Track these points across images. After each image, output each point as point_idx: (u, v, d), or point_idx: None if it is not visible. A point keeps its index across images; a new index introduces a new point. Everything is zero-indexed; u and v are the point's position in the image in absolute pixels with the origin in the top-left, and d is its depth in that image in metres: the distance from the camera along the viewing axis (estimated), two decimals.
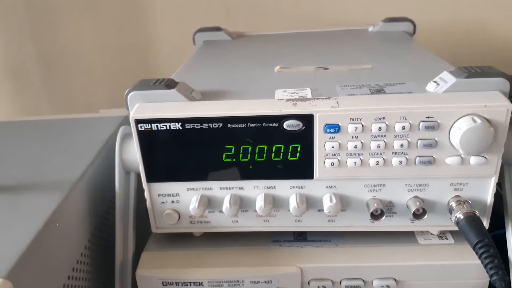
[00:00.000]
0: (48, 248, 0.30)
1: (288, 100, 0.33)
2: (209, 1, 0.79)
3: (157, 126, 0.32)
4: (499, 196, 0.35)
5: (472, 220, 0.31)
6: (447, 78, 0.33)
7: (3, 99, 0.87)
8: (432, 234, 0.37)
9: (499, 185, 0.35)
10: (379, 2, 0.77)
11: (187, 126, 0.32)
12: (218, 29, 0.62)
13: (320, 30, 0.63)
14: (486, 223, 0.34)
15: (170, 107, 0.33)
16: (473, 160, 0.32)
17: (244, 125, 0.32)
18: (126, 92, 0.34)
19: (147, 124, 0.32)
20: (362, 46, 0.52)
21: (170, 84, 0.34)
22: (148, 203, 0.36)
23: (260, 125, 0.32)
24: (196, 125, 0.32)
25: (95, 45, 0.83)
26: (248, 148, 0.33)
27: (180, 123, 0.32)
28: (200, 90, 0.36)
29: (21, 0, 0.79)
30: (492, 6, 0.77)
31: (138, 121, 0.32)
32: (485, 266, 0.29)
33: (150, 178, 0.35)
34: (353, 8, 0.78)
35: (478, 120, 0.30)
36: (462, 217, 0.32)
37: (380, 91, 0.34)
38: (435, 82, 0.34)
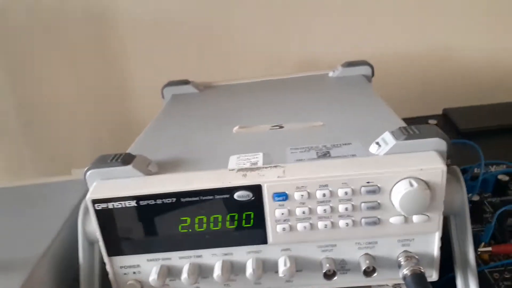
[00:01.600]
0: None
1: (239, 170, 0.35)
2: (181, 51, 0.81)
3: (113, 204, 0.34)
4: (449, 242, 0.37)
5: (417, 277, 0.33)
6: (388, 140, 0.35)
7: None
8: (388, 285, 0.38)
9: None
10: (340, 44, 0.81)
11: (142, 203, 0.34)
12: (185, 82, 0.64)
13: (283, 77, 0.65)
14: (435, 274, 0.36)
15: (126, 185, 0.34)
16: (415, 218, 0.33)
17: (197, 198, 0.34)
18: (85, 171, 0.36)
19: (104, 203, 0.34)
20: (320, 95, 0.54)
21: (126, 159, 0.36)
22: (110, 275, 0.37)
23: (212, 197, 0.34)
24: (151, 202, 0.34)
25: (74, 96, 0.85)
26: (203, 218, 0.35)
27: (135, 201, 0.34)
28: (158, 160, 0.38)
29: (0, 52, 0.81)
30: (453, 32, 0.81)
31: (94, 201, 0.34)
32: None
33: (111, 252, 0.36)
34: (316, 52, 0.81)
35: (415, 184, 0.32)
36: (408, 274, 0.33)
37: (326, 154, 0.36)
38: (377, 143, 0.36)
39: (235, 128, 0.45)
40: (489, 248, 0.43)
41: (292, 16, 0.80)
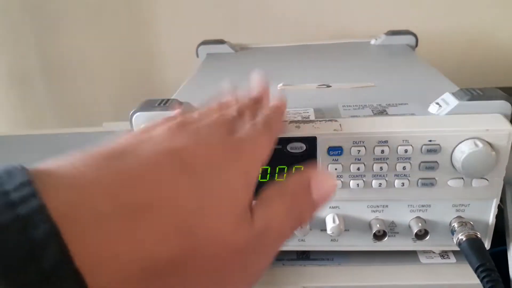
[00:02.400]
0: None
1: (291, 122, 0.33)
2: (212, 12, 0.79)
3: None
4: (500, 212, 0.35)
5: (474, 242, 0.31)
6: (450, 100, 0.33)
7: (7, 108, 0.87)
8: (434, 253, 0.37)
9: (501, 201, 0.35)
10: (381, 13, 0.78)
11: None
12: (221, 42, 0.62)
13: (322, 42, 0.63)
14: (487, 244, 0.35)
15: None
16: (475, 182, 0.32)
17: None
18: (131, 113, 0.35)
19: None
20: (365, 61, 0.53)
21: (174, 105, 0.35)
22: None
23: None
24: None
25: (99, 55, 0.84)
26: None
27: None
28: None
29: (26, 10, 0.80)
30: (495, 13, 0.77)
31: None
32: None
33: None
34: (355, 20, 0.79)
35: (480, 144, 0.30)
36: (464, 239, 0.32)
37: (382, 112, 0.35)
38: (437, 103, 0.34)
39: (280, 85, 0.44)
40: None
41: None
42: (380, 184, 0.32)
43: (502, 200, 0.36)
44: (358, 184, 0.33)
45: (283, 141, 0.32)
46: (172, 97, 0.40)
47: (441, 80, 0.43)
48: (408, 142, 0.31)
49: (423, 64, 0.49)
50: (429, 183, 0.32)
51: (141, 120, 0.34)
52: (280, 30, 0.80)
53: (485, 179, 0.32)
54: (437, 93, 0.35)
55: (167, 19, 0.81)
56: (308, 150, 0.32)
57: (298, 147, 0.32)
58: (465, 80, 0.77)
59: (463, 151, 0.31)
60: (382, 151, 0.32)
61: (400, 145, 0.31)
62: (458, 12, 0.78)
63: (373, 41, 0.61)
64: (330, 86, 0.43)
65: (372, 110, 0.35)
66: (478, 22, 0.78)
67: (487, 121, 0.31)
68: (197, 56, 0.62)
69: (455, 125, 0.31)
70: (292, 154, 0.32)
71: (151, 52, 0.84)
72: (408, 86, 0.41)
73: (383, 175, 0.32)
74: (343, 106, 0.36)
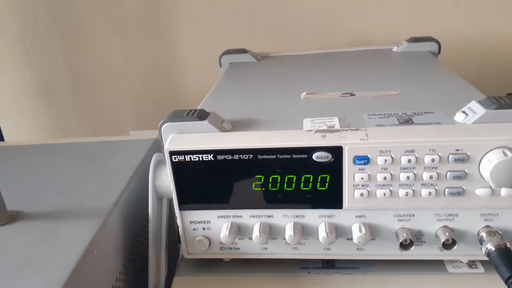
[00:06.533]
0: (86, 277, 0.31)
1: (316, 131, 0.34)
2: (233, 22, 0.80)
3: (190, 157, 0.33)
4: None
5: (504, 252, 0.31)
6: (476, 109, 0.33)
7: (35, 116, 0.90)
8: (461, 262, 0.37)
9: None
10: (399, 21, 0.78)
11: (219, 157, 0.33)
12: (243, 51, 0.63)
13: (343, 50, 0.63)
14: None
15: (203, 139, 0.34)
16: (503, 191, 0.32)
17: (274, 156, 0.33)
18: (160, 124, 0.36)
19: (180, 156, 0.33)
20: (387, 68, 0.53)
21: (202, 115, 0.36)
22: (180, 230, 0.37)
23: (289, 156, 0.33)
24: (228, 156, 0.33)
25: (123, 64, 0.86)
26: (277, 178, 0.34)
27: (212, 155, 0.33)
28: (230, 119, 0.37)
29: (53, 20, 0.82)
30: None
31: (172, 153, 0.33)
32: None
33: (183, 206, 0.36)
34: (375, 27, 0.79)
35: (509, 154, 0.30)
36: (493, 249, 0.32)
37: (408, 121, 0.35)
38: (463, 112, 0.34)
39: (303, 94, 0.44)
40: None
41: None
42: (407, 193, 0.32)
43: None
44: (384, 193, 0.33)
45: (309, 151, 0.32)
46: (199, 107, 0.41)
47: (466, 87, 0.42)
48: (435, 152, 0.31)
49: (447, 71, 0.49)
50: (456, 192, 0.32)
51: (170, 130, 0.35)
52: (300, 38, 0.80)
53: None
54: (463, 101, 0.35)
55: (189, 27, 0.82)
56: (334, 160, 0.32)
57: (324, 157, 0.33)
58: (489, 86, 0.76)
59: (491, 160, 0.30)
60: (409, 160, 0.32)
61: (427, 154, 0.31)
62: (480, 16, 0.77)
63: (395, 48, 0.61)
64: (354, 95, 0.43)
65: (397, 119, 0.35)
66: (500, 26, 0.77)
67: None
68: (220, 65, 0.63)
69: (482, 134, 0.31)
70: (318, 163, 0.33)
71: (173, 62, 0.85)
72: (432, 94, 0.41)
73: (410, 184, 0.32)
74: (368, 115, 0.37)
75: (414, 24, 0.78)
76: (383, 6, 0.77)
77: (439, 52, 0.60)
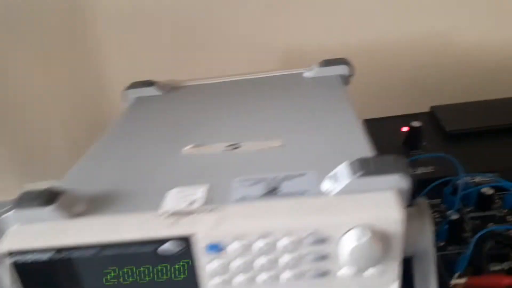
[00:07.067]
0: None
1: (169, 215, 0.31)
2: (162, 48, 0.77)
3: (30, 257, 0.30)
4: None
5: None
6: (342, 176, 0.31)
7: None
8: None
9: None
10: (326, 33, 0.75)
11: (59, 255, 0.30)
12: (149, 84, 0.59)
13: (257, 76, 0.60)
14: None
15: (42, 233, 0.30)
16: (368, 272, 0.29)
17: (120, 250, 0.30)
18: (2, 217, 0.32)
19: (19, 256, 0.30)
20: (288, 104, 0.49)
21: (51, 197, 0.32)
22: None
23: (136, 248, 0.30)
24: (70, 253, 0.30)
25: (46, 96, 0.81)
26: (128, 271, 0.31)
27: (51, 253, 0.30)
28: (91, 193, 0.34)
29: None
30: (446, 22, 0.75)
31: (11, 253, 0.30)
32: None
33: None
34: (302, 42, 0.76)
35: (366, 235, 0.28)
36: None
37: (273, 190, 0.32)
38: (331, 178, 0.31)
39: (186, 148, 0.41)
40: (463, 280, 0.39)
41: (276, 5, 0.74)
42: (265, 279, 0.30)
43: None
44: (241, 282, 0.30)
45: (155, 243, 0.29)
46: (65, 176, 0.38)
47: (356, 136, 0.39)
48: (292, 234, 0.29)
49: (345, 109, 0.45)
50: (317, 274, 0.30)
51: (13, 220, 0.32)
52: (228, 59, 0.77)
53: (379, 266, 0.29)
54: (344, 156, 0.32)
55: (113, 56, 0.78)
56: (185, 249, 0.29)
57: (171, 249, 0.29)
58: (414, 99, 0.74)
59: (348, 242, 0.28)
60: (265, 245, 0.29)
61: (285, 236, 0.29)
62: (404, 26, 0.75)
63: (306, 73, 0.58)
64: (238, 148, 0.40)
65: (266, 186, 0.33)
66: (425, 35, 0.75)
67: (376, 204, 0.29)
68: (125, 100, 0.59)
69: (341, 212, 0.29)
70: (167, 256, 0.30)
71: (99, 91, 0.81)
72: (316, 146, 0.38)
73: (268, 269, 0.30)
74: (239, 180, 0.34)
75: (342, 37, 0.75)
76: (313, 20, 0.74)
77: (352, 73, 0.57)
